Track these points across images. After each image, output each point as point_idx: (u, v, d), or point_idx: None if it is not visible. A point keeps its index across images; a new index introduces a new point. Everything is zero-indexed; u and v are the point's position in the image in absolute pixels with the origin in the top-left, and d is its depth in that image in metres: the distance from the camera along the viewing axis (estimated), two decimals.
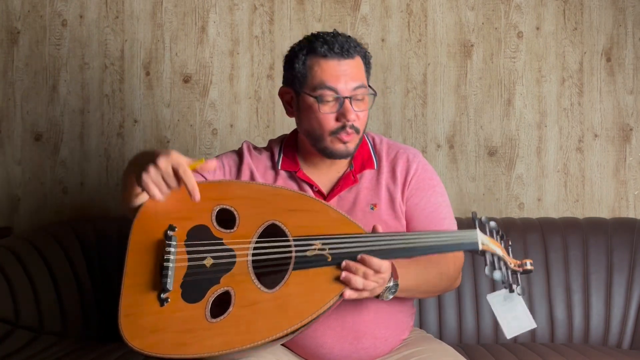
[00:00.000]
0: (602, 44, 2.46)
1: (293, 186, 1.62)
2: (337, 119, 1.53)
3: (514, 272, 1.42)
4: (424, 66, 2.47)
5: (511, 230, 2.20)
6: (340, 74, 1.52)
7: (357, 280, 1.36)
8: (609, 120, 2.46)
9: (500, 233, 1.45)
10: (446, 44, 2.47)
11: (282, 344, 1.58)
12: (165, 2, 2.48)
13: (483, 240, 1.40)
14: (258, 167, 1.65)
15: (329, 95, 1.52)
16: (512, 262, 1.42)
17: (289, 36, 2.46)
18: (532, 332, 2.14)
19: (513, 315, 1.44)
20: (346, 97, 1.52)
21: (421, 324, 2.13)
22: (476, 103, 2.47)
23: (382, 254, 1.39)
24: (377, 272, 1.36)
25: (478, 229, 1.41)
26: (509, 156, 2.47)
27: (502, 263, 1.40)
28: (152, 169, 1.39)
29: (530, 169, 2.47)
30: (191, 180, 1.40)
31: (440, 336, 2.12)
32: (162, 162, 1.38)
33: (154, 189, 1.39)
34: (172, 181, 1.40)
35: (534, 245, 2.19)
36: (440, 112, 2.47)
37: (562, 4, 2.46)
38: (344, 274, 1.37)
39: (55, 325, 2.00)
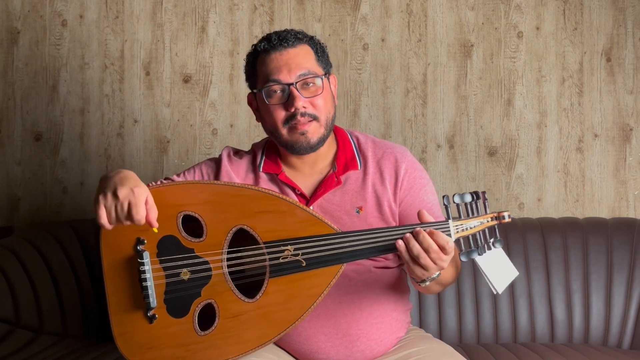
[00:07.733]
0: (602, 44, 2.46)
1: (274, 190, 1.59)
2: (286, 108, 1.54)
3: (492, 227, 1.37)
4: (424, 66, 2.47)
5: (511, 231, 2.19)
6: (282, 64, 1.54)
7: (415, 248, 1.32)
8: (609, 120, 2.46)
9: (473, 197, 1.37)
10: (446, 44, 2.47)
11: (279, 346, 1.60)
12: (165, 2, 2.48)
13: (457, 229, 1.35)
14: (238, 171, 1.64)
15: (274, 86, 1.54)
16: (488, 218, 1.37)
17: None
18: (532, 332, 2.14)
19: (499, 270, 1.45)
20: (289, 85, 1.53)
21: (421, 323, 2.13)
22: (476, 103, 2.47)
23: (360, 253, 1.39)
24: (442, 249, 1.31)
25: (451, 220, 1.36)
26: (509, 156, 2.47)
27: (478, 234, 1.36)
28: (110, 196, 1.37)
29: (530, 169, 2.47)
30: (139, 222, 1.36)
31: (440, 336, 2.12)
32: (122, 193, 1.36)
33: (103, 215, 1.37)
34: (122, 215, 1.37)
35: (534, 245, 2.19)
36: (440, 112, 2.47)
37: (562, 4, 2.46)
38: (400, 243, 1.33)
39: (55, 325, 2.00)
